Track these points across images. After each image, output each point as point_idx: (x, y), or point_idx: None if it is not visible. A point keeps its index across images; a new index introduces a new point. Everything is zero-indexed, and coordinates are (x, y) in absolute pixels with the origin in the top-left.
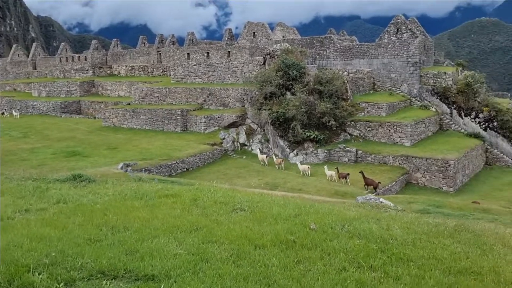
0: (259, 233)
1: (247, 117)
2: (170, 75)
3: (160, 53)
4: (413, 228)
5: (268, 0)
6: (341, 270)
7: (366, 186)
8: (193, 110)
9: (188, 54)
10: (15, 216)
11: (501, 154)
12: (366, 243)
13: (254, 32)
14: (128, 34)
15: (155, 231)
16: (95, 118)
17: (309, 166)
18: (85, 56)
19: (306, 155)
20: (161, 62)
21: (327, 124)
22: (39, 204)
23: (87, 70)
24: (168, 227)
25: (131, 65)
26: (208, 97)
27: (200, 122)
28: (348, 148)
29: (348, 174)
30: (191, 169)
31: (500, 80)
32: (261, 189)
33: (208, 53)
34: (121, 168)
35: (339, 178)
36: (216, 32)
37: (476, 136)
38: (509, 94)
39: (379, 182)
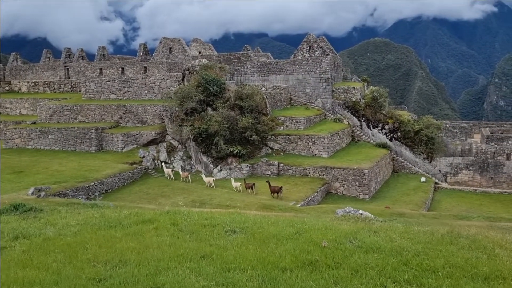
0: (274, 255)
1: (168, 134)
2: (80, 91)
3: (67, 68)
4: (413, 238)
5: (177, 15)
6: (383, 287)
7: (272, 194)
8: (109, 128)
9: (101, 69)
10: None
11: (405, 162)
12: (384, 256)
13: (170, 48)
14: (26, 47)
15: (161, 263)
16: None
17: (214, 179)
18: None
19: (230, 170)
20: (69, 78)
21: (250, 138)
22: None
23: None
24: (171, 256)
25: (34, 81)
26: (124, 114)
27: (117, 141)
28: (271, 162)
29: (253, 184)
30: (110, 190)
31: (393, 95)
32: (189, 208)
33: (123, 68)
34: (32, 193)
35: (246, 188)
36: (123, 47)
37: (384, 146)
38: (406, 107)
39: (281, 187)
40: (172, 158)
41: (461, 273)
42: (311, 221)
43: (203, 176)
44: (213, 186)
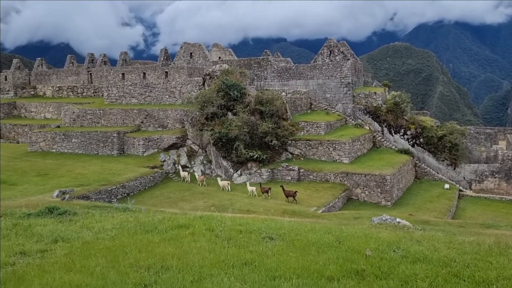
0: (317, 263)
1: (188, 138)
2: (103, 96)
3: (91, 73)
4: (458, 248)
5: (196, 21)
6: None
7: (287, 198)
8: (130, 132)
9: (123, 74)
10: (13, 261)
11: (428, 168)
12: (432, 267)
13: (191, 53)
14: (49, 53)
15: (204, 269)
16: (18, 142)
17: (229, 182)
18: (5, 76)
19: (250, 175)
20: (92, 83)
21: (270, 143)
22: (33, 245)
23: (8, 90)
24: (213, 263)
25: (58, 85)
26: (145, 118)
27: (139, 145)
28: (291, 167)
29: (269, 188)
30: (132, 193)
31: (414, 100)
32: (207, 212)
33: (144, 73)
34: (57, 196)
35: (262, 193)
36: (143, 52)
37: (406, 152)
38: (428, 113)
39: (296, 191)
40: (193, 163)
41: None
42: (349, 229)
43: (218, 179)
44: (228, 190)
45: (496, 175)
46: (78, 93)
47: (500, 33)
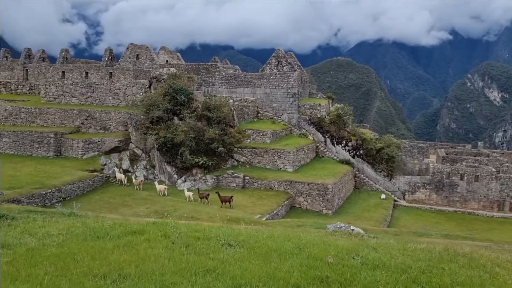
0: (281, 271)
1: (131, 142)
2: (40, 94)
3: (27, 69)
4: (412, 255)
5: (144, 23)
6: None
7: (223, 204)
8: (69, 133)
9: (63, 72)
10: None
11: (367, 179)
12: (391, 274)
13: (137, 55)
14: None
15: (166, 277)
16: None
17: (166, 187)
18: None
19: (194, 181)
20: (27, 79)
21: (216, 150)
22: None
23: None
24: (174, 270)
25: None
26: (86, 119)
27: (78, 147)
28: (236, 174)
29: (208, 194)
30: (68, 198)
31: (354, 113)
32: (150, 218)
33: (87, 72)
34: None
35: (200, 198)
36: (85, 51)
37: (347, 162)
38: (368, 126)
39: (232, 196)
40: (135, 167)
41: None
42: (307, 236)
43: (156, 183)
44: (165, 194)
45: (427, 187)
46: (11, 90)
47: (432, 55)
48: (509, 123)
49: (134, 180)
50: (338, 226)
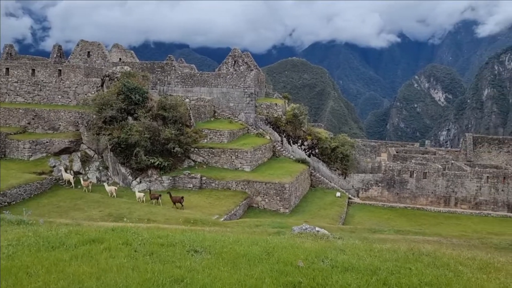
0: (252, 277)
1: (83, 143)
2: None
3: None
4: (379, 256)
5: (95, 19)
6: None
7: (174, 204)
8: (14, 134)
9: (7, 69)
10: None
11: (322, 177)
12: (361, 276)
13: (88, 52)
14: None
15: None
16: None
17: (116, 188)
18: None
19: (150, 182)
20: None
21: (172, 150)
22: None
23: None
24: (139, 281)
25: None
26: (33, 119)
27: (24, 148)
28: (193, 175)
29: (160, 195)
30: (13, 202)
31: (308, 112)
32: (105, 222)
33: (33, 69)
34: None
35: (151, 199)
36: (31, 47)
37: (303, 161)
38: (323, 125)
39: (182, 197)
40: (87, 169)
41: None
42: (274, 240)
43: (105, 184)
44: (114, 196)
45: (380, 184)
46: None
47: (382, 56)
48: (452, 122)
49: (82, 181)
50: (304, 227)
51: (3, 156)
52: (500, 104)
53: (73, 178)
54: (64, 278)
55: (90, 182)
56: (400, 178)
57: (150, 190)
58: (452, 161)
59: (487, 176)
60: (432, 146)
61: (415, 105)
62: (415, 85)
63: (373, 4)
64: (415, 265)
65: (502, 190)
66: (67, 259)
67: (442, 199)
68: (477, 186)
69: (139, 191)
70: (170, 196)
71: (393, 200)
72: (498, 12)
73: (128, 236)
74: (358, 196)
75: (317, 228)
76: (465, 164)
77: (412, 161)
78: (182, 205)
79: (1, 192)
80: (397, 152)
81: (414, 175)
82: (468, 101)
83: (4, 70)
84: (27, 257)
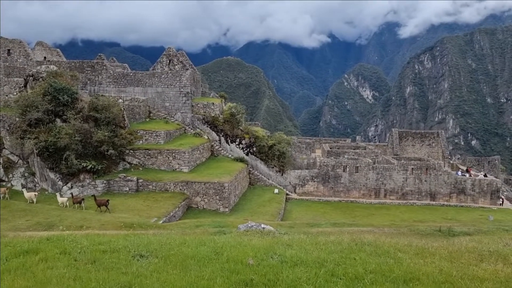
0: (203, 278)
1: (5, 148)
2: None
3: None
4: (325, 248)
5: (13, 14)
6: None
7: (99, 207)
8: None
9: None
10: None
11: (260, 175)
12: (310, 269)
13: (8, 50)
14: None
15: None
16: None
17: (36, 194)
18: None
19: (82, 187)
20: None
21: (106, 153)
22: None
23: None
24: None
25: None
26: None
27: None
28: (129, 177)
29: (83, 199)
30: None
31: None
32: (33, 231)
33: None
34: None
35: (73, 203)
36: None
37: (241, 160)
38: (260, 124)
39: (108, 200)
40: (11, 176)
41: (382, 278)
42: (221, 239)
43: (24, 191)
44: (34, 202)
45: (315, 179)
46: None
47: (314, 56)
48: (380, 119)
49: (25, 193)
50: (249, 225)
51: None
52: (420, 100)
53: (7, 190)
54: None
55: (7, 188)
56: (334, 173)
57: (72, 194)
58: (382, 155)
59: (412, 168)
60: (362, 141)
61: (346, 103)
62: (345, 83)
63: (304, 5)
64: (359, 255)
65: (425, 181)
66: None
67: (373, 191)
68: (404, 178)
69: (61, 196)
70: (95, 199)
71: (328, 194)
72: (416, 16)
73: (65, 245)
74: (295, 192)
75: (262, 225)
76: (392, 157)
77: (345, 156)
78: (108, 208)
79: None
80: (330, 148)
81: (347, 169)
82: (393, 98)
83: None
84: None
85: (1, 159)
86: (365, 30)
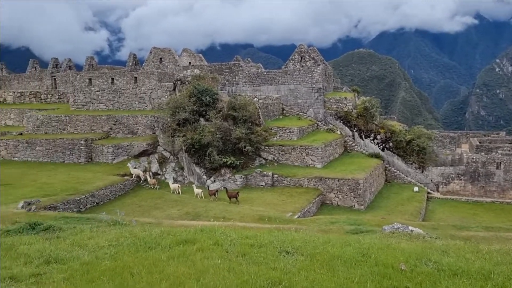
0: (353, 281)
1: (159, 145)
2: (68, 102)
3: (55, 78)
4: (489, 258)
5: (163, 26)
6: None
7: (230, 200)
8: (99, 139)
9: (90, 79)
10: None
11: (398, 172)
12: (474, 281)
13: (160, 58)
14: (8, 57)
15: None
16: None
17: (179, 185)
18: None
19: (223, 181)
20: (56, 88)
21: (243, 149)
22: (22, 268)
23: None
24: (237, 283)
25: (20, 91)
26: (114, 124)
27: (107, 152)
28: (265, 173)
29: (217, 191)
30: (101, 203)
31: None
32: (183, 220)
33: (112, 78)
34: (22, 207)
35: (210, 195)
36: (108, 58)
37: (376, 156)
38: (396, 118)
39: (238, 192)
40: (164, 170)
41: None
42: (366, 240)
43: (169, 182)
44: (179, 193)
45: (462, 177)
46: (41, 99)
47: (457, 41)
48: None
49: (149, 179)
50: (395, 227)
51: (90, 160)
52: None
53: (144, 173)
54: (165, 278)
55: (156, 180)
56: (485, 171)
57: (208, 186)
58: None
59: None
60: None
61: (498, 91)
62: (497, 69)
63: None
64: None
65: None
66: (165, 259)
67: None
68: None
69: (196, 188)
70: (227, 191)
71: (478, 194)
72: None
73: (217, 237)
74: (438, 191)
75: (410, 227)
76: None
77: (499, 151)
78: (238, 201)
79: (91, 193)
80: (480, 143)
81: (502, 166)
82: None
83: (88, 80)
84: (128, 257)
85: (157, 155)
86: None
